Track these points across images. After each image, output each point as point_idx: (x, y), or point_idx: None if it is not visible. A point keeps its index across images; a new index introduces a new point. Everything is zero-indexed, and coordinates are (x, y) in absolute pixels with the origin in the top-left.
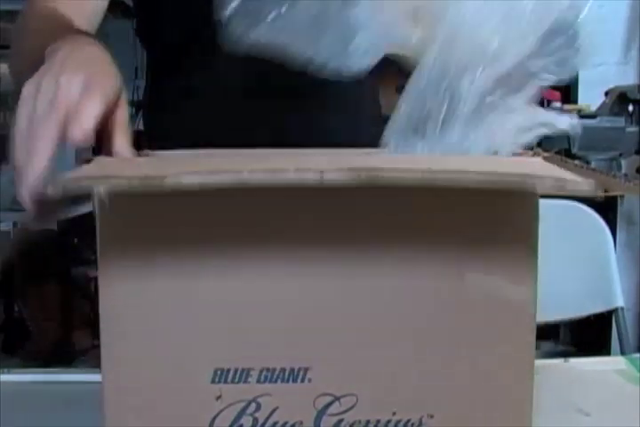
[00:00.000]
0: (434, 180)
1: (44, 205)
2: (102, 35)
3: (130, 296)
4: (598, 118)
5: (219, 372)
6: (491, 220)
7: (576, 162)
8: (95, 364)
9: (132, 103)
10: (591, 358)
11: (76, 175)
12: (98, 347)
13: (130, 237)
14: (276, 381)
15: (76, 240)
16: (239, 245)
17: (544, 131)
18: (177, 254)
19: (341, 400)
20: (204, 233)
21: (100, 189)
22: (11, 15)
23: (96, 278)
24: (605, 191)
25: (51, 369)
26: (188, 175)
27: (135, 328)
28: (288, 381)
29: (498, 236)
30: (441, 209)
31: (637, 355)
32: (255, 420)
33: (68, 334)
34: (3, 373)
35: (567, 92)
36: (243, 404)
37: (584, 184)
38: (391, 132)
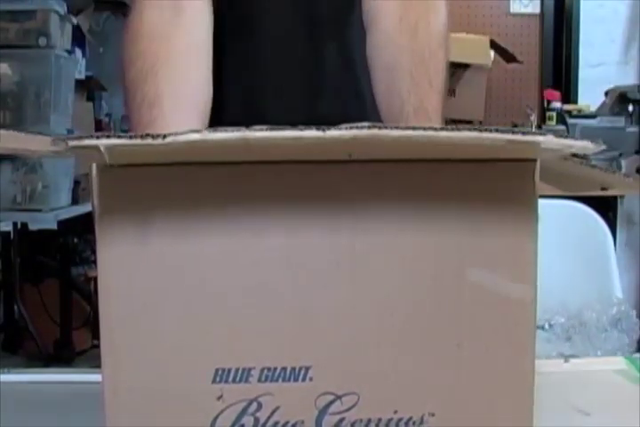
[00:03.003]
0: (436, 136)
1: None
2: (102, 35)
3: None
4: (598, 118)
5: (219, 372)
6: (490, 208)
7: (575, 159)
8: (95, 364)
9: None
10: (591, 358)
11: (80, 135)
12: (98, 347)
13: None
14: (277, 380)
15: (75, 240)
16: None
17: None
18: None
19: (343, 399)
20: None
21: (100, 145)
22: (11, 15)
23: (96, 278)
24: (605, 188)
25: (51, 369)
26: (190, 133)
27: (133, 324)
28: (289, 380)
29: (498, 228)
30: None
31: (637, 355)
32: (256, 420)
33: (68, 334)
34: (3, 373)
35: (567, 92)
36: (244, 404)
37: (584, 143)
38: None
